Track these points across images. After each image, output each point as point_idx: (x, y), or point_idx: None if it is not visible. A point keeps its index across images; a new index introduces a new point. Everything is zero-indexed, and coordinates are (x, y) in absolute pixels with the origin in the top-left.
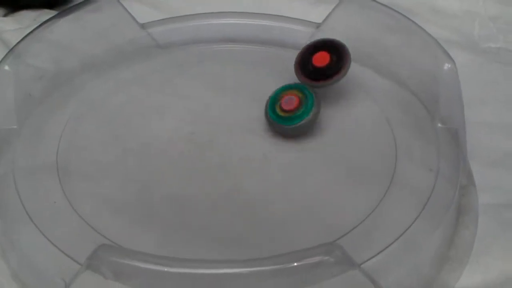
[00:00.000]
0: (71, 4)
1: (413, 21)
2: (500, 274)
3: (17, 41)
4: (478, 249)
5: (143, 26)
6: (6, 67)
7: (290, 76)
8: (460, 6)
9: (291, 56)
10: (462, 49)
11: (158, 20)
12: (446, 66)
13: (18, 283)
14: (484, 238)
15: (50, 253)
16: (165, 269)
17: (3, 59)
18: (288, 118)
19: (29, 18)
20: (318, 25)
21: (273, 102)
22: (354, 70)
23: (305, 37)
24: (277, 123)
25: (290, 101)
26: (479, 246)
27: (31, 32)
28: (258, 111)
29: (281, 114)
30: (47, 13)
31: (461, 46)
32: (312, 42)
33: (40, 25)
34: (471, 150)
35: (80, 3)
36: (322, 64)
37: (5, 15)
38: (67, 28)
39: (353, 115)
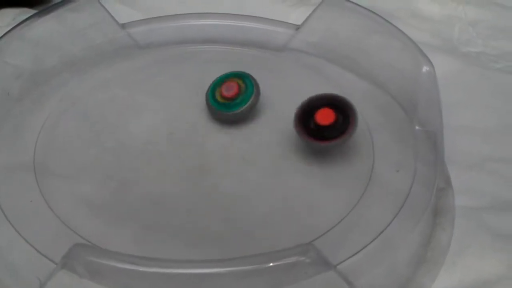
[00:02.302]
0: (51, 3)
1: (392, 24)
2: (476, 276)
3: None
4: (454, 250)
5: (123, 26)
6: None
7: (269, 77)
8: (440, 11)
9: (270, 57)
10: (442, 53)
11: (138, 20)
12: (425, 69)
13: None
14: (461, 240)
15: (26, 252)
16: (140, 269)
17: None
18: (228, 105)
19: (8, 17)
20: (297, 27)
21: (214, 89)
22: (333, 72)
23: (285, 38)
24: (216, 109)
25: (230, 88)
26: (456, 248)
27: (10, 30)
28: None
29: (221, 100)
30: (26, 12)
31: (441, 50)
32: (314, 97)
33: (20, 24)
34: (449, 153)
35: (60, 2)
36: (326, 123)
37: None
38: (46, 27)
39: None
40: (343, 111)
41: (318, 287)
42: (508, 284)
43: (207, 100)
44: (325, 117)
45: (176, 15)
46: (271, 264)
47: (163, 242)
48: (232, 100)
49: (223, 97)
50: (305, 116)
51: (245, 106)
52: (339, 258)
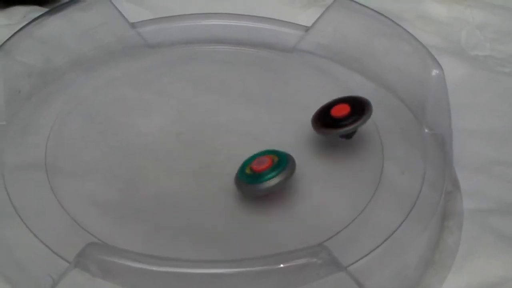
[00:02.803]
0: (62, 2)
1: (401, 27)
2: (484, 279)
3: (6, 38)
4: (462, 253)
5: (133, 25)
6: None
7: (278, 78)
8: (448, 14)
9: (280, 59)
10: (450, 56)
11: (148, 19)
12: (434, 72)
13: (6, 280)
14: (469, 243)
15: (38, 250)
16: (153, 268)
17: None
18: (255, 177)
19: (19, 15)
20: (307, 29)
21: (246, 164)
22: (342, 74)
23: (294, 39)
24: (242, 182)
25: (262, 162)
26: (464, 251)
27: (21, 29)
28: (245, 112)
29: (249, 173)
30: (37, 10)
31: (449, 53)
32: (334, 99)
33: (30, 22)
34: (457, 157)
35: (71, 0)
36: (341, 115)
37: None
38: (57, 26)
39: None
40: (358, 106)
41: None
42: None
43: (236, 179)
44: (340, 110)
45: (185, 15)
46: (282, 265)
47: (172, 242)
48: (261, 173)
49: (252, 170)
50: (322, 116)
51: (275, 178)
52: (350, 260)
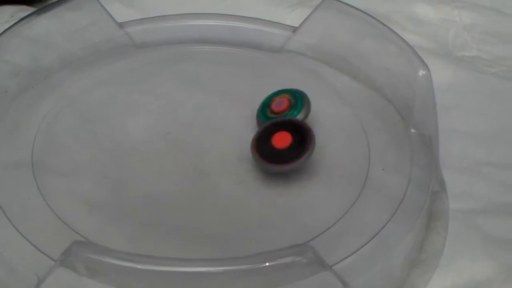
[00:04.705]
0: (50, 1)
1: (389, 28)
2: (470, 279)
3: None
4: (448, 253)
5: (121, 25)
6: None
7: (266, 78)
8: (436, 15)
9: (267, 59)
10: (437, 57)
11: (136, 19)
12: (421, 72)
13: None
14: (454, 243)
15: (24, 248)
16: (139, 267)
17: None
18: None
19: (7, 14)
20: (295, 29)
21: (264, 106)
22: (329, 74)
23: (282, 40)
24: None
25: (280, 103)
26: (449, 251)
27: (9, 28)
28: (233, 112)
29: (271, 115)
30: (25, 10)
31: (436, 54)
32: (273, 121)
33: (18, 22)
34: (443, 157)
35: (59, 0)
36: (283, 146)
37: None
38: (45, 25)
39: (328, 120)
40: (300, 134)
41: (313, 287)
42: (499, 287)
43: (257, 118)
44: (281, 140)
45: (173, 15)
46: (268, 264)
47: (160, 241)
48: (282, 114)
49: (273, 112)
50: (263, 141)
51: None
52: (335, 259)
